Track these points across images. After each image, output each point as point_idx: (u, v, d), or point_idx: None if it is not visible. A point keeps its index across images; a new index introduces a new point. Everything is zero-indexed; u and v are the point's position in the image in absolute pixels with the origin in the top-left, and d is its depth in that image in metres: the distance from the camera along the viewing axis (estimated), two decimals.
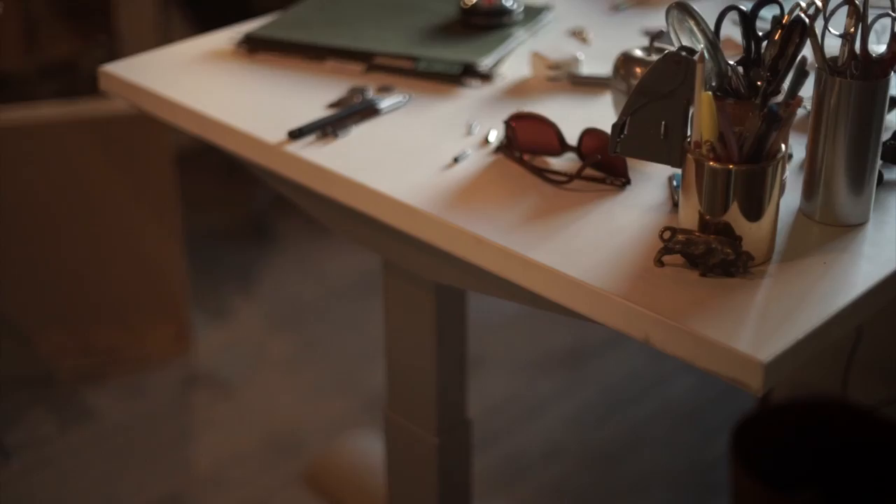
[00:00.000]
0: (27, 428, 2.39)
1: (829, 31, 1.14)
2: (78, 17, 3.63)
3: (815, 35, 1.14)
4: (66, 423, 2.40)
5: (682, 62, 1.09)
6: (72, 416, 2.43)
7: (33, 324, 2.52)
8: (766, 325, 1.01)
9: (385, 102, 1.42)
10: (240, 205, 3.22)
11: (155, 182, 2.48)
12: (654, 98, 1.11)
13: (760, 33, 1.19)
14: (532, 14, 1.67)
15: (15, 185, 2.41)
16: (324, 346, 2.67)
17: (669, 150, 1.12)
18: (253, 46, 1.60)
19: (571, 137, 1.28)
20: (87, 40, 3.62)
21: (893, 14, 1.16)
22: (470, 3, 1.62)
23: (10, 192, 2.41)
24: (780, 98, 1.12)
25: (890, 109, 1.28)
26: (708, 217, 1.08)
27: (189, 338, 2.61)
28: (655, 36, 1.40)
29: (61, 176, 2.45)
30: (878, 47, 1.16)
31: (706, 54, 1.12)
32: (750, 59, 1.20)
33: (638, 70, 1.33)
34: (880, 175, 1.23)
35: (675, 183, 1.21)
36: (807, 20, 1.15)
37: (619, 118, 1.13)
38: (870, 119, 1.14)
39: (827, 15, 1.15)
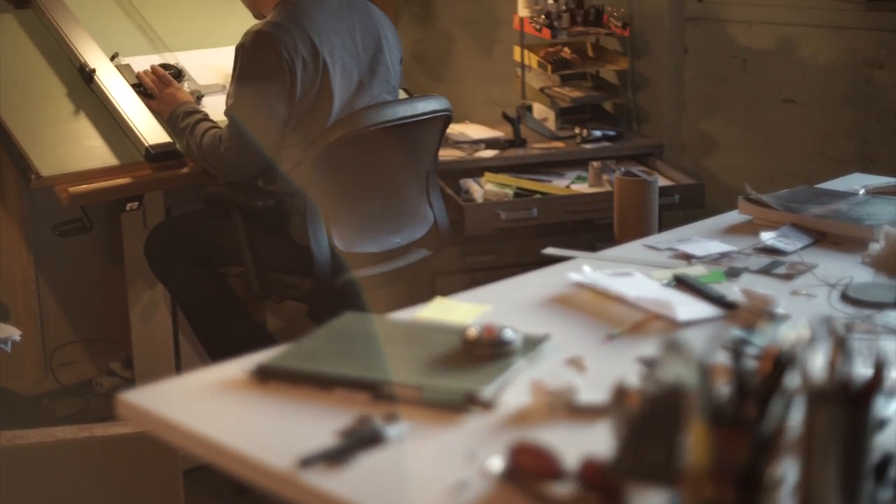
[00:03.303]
0: None
1: (815, 358, 1.20)
2: (96, 342, 3.75)
3: (801, 363, 1.20)
4: None
5: (675, 392, 1.15)
6: None
7: None
8: None
9: (391, 431, 1.47)
10: None
11: (162, 501, 2.50)
12: (650, 426, 1.16)
13: (750, 360, 1.25)
14: (531, 344, 1.74)
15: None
16: None
17: (667, 475, 1.15)
18: (264, 376, 1.67)
19: (572, 464, 1.32)
20: (104, 364, 3.72)
21: (875, 339, 1.23)
22: (472, 336, 1.70)
23: None
24: (770, 425, 1.17)
25: (877, 432, 1.32)
26: None
27: None
28: (650, 365, 1.46)
29: (67, 494, 2.47)
30: (863, 370, 1.22)
31: (698, 384, 1.18)
32: (740, 388, 1.26)
33: (634, 399, 1.38)
34: (873, 496, 1.26)
35: None
36: (794, 349, 1.21)
37: (618, 445, 1.18)
38: (858, 443, 1.19)
39: (813, 343, 1.22)
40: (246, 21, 3.16)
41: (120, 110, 3.10)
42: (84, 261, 3.74)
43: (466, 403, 1.55)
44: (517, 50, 4.28)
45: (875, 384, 1.20)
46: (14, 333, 2.98)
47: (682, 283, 2.02)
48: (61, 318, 3.70)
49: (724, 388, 1.24)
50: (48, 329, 3.66)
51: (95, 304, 3.76)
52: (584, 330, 1.86)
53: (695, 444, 1.11)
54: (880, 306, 1.92)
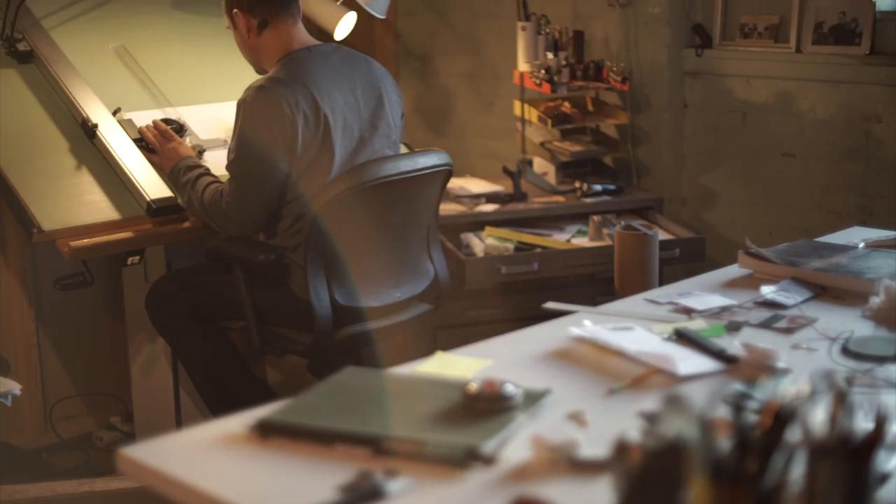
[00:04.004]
0: None
1: (816, 412, 1.20)
2: (96, 396, 3.74)
3: (802, 418, 1.20)
4: None
5: (676, 447, 1.15)
6: None
7: None
8: None
9: (392, 486, 1.46)
10: None
11: None
12: (651, 481, 1.16)
13: (751, 414, 1.25)
14: (532, 398, 1.74)
15: None
16: None
17: None
18: (265, 431, 1.66)
19: None
20: (104, 418, 3.71)
21: (876, 393, 1.23)
22: (473, 390, 1.70)
23: None
24: (771, 480, 1.17)
25: (879, 487, 1.32)
26: None
27: None
28: (651, 419, 1.46)
29: None
30: (864, 424, 1.22)
31: (699, 439, 1.18)
32: (741, 442, 1.25)
33: (635, 454, 1.38)
34: None
35: None
36: (795, 404, 1.21)
37: (619, 501, 1.17)
38: (859, 498, 1.18)
39: (814, 398, 1.22)
40: (248, 76, 3.18)
41: (122, 165, 3.12)
42: (85, 315, 3.74)
43: (467, 458, 1.55)
44: (517, 104, 4.31)
45: (876, 439, 1.20)
46: (14, 387, 2.98)
47: (682, 337, 2.02)
48: (62, 372, 3.70)
49: (724, 443, 1.24)
50: (48, 383, 3.66)
51: (96, 357, 3.76)
52: (585, 384, 1.86)
53: (696, 499, 1.10)
54: (881, 360, 1.91)
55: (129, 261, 3.08)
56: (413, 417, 1.67)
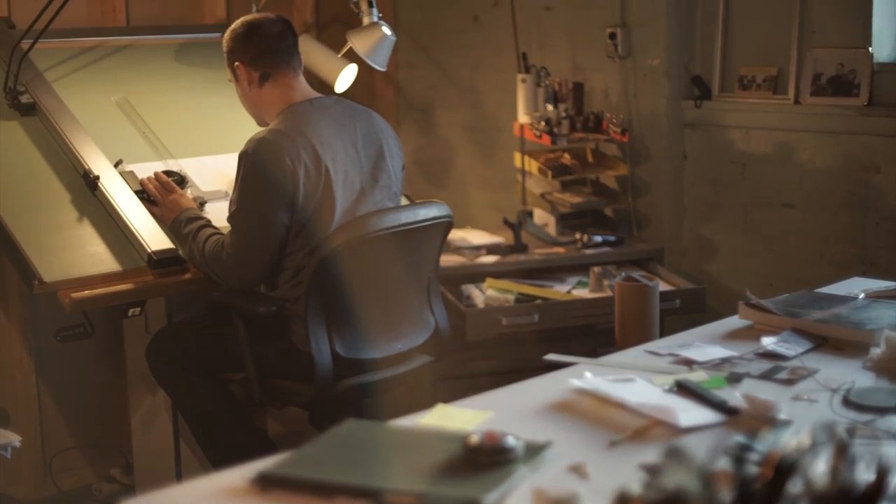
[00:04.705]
0: None
1: (817, 464, 1.20)
2: (96, 448, 3.73)
3: (804, 469, 1.20)
4: None
5: (677, 499, 1.15)
6: None
7: None
8: None
9: None
10: None
11: None
12: None
13: (752, 466, 1.25)
14: (533, 451, 1.74)
15: None
16: None
17: None
18: (265, 484, 1.66)
19: None
20: (104, 470, 3.70)
21: (877, 444, 1.22)
22: (474, 443, 1.69)
23: None
24: None
25: None
26: None
27: None
28: (652, 471, 1.45)
29: None
30: (865, 476, 1.22)
31: (700, 491, 1.18)
32: (742, 494, 1.25)
33: None
34: None
35: None
36: (796, 455, 1.21)
37: None
38: None
39: (815, 449, 1.22)
40: (249, 128, 3.20)
41: (123, 216, 3.13)
42: (85, 366, 3.74)
43: None
44: (517, 156, 4.33)
45: (877, 490, 1.20)
46: (14, 439, 2.97)
47: (683, 389, 2.02)
48: (61, 424, 3.69)
49: (726, 495, 1.23)
50: (48, 434, 3.65)
51: (96, 409, 3.76)
52: (586, 436, 1.86)
53: None
54: (882, 411, 1.91)
55: (130, 312, 3.08)
56: (414, 470, 1.66)
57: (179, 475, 3.42)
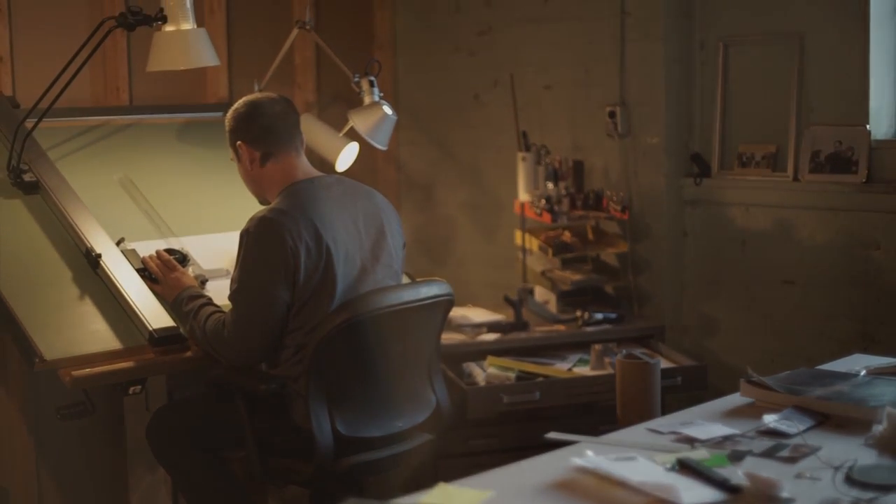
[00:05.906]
0: None
1: None
2: None
3: None
4: None
5: None
6: None
7: None
8: None
9: None
10: None
11: None
12: None
13: None
14: None
15: None
16: None
17: None
18: None
19: None
20: None
21: None
22: None
23: None
24: None
25: None
26: None
27: None
28: None
29: None
30: None
31: None
32: None
33: None
34: None
35: None
36: None
37: None
38: None
39: None
40: (251, 207, 3.22)
41: (125, 294, 3.13)
42: (85, 444, 3.72)
43: None
44: (518, 234, 4.36)
45: None
46: None
47: (685, 467, 2.01)
48: (60, 502, 3.66)
49: None
50: None
51: (96, 487, 3.73)
52: None
53: None
54: (885, 488, 1.90)
55: (131, 390, 3.07)
56: None
57: None
